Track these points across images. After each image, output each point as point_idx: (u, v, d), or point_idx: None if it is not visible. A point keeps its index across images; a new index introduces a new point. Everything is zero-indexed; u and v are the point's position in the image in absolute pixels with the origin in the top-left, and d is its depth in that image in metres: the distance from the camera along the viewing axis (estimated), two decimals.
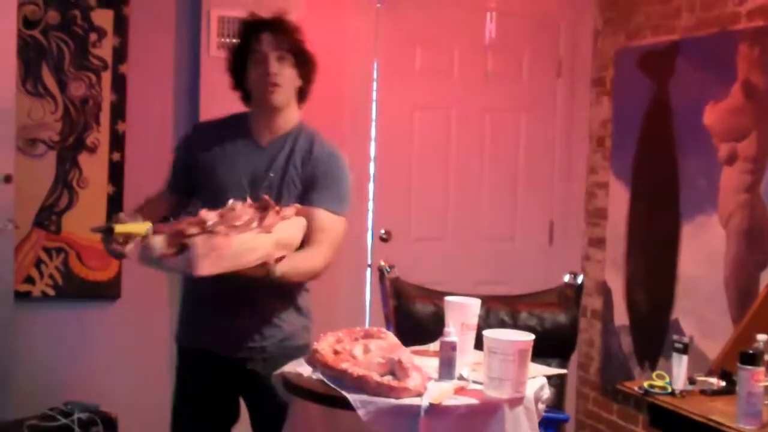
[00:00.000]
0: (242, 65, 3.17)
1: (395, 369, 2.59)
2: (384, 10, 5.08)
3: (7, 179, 3.89)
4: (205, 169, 3.17)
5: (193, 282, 2.93)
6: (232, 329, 3.09)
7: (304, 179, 3.11)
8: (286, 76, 3.12)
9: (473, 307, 2.94)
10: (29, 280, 4.50)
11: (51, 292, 4.54)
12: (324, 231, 3.05)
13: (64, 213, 4.53)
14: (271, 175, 3.12)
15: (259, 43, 3.11)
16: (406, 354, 2.68)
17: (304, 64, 3.19)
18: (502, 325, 3.72)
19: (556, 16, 5.37)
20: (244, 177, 3.12)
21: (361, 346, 2.70)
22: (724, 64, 4.32)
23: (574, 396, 5.42)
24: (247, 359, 3.11)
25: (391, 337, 2.82)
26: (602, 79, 5.29)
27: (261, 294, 3.06)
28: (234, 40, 3.33)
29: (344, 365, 2.57)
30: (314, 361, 2.66)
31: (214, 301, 3.08)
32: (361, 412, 2.45)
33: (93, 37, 4.52)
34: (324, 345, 2.70)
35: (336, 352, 2.66)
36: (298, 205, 3.02)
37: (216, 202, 2.95)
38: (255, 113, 3.20)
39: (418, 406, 2.44)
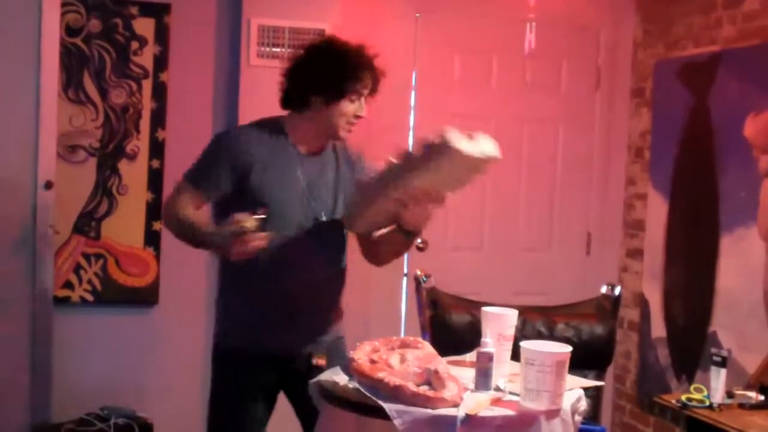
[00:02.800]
0: (333, 91, 3.08)
1: (432, 379, 2.59)
2: (423, 19, 5.09)
3: (48, 185, 3.94)
4: (258, 177, 3.08)
5: (259, 281, 3.08)
6: (301, 328, 3.16)
7: (353, 179, 3.22)
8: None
9: (510, 318, 2.92)
10: (68, 285, 4.54)
11: (90, 297, 4.58)
12: None
13: (104, 219, 4.57)
14: (326, 181, 3.16)
15: (360, 82, 3.09)
16: (442, 364, 2.67)
17: (372, 98, 3.20)
18: (539, 336, 3.70)
19: (596, 27, 5.35)
20: (299, 192, 3.11)
21: (398, 356, 2.70)
22: (766, 76, 4.29)
23: (610, 408, 5.39)
24: (309, 356, 3.15)
25: (428, 347, 2.82)
26: (641, 90, 5.26)
27: (330, 291, 3.23)
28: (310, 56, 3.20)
29: (381, 374, 2.57)
30: (351, 370, 2.67)
31: (284, 302, 3.12)
32: (397, 422, 2.44)
33: (134, 45, 4.56)
34: (361, 354, 2.70)
35: (372, 362, 2.66)
36: None
37: (273, 215, 2.98)
38: (302, 126, 3.16)
39: (455, 417, 2.43)
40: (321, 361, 3.07)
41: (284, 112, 3.20)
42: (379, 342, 2.80)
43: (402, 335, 4.82)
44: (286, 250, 3.06)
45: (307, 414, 3.08)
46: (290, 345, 3.17)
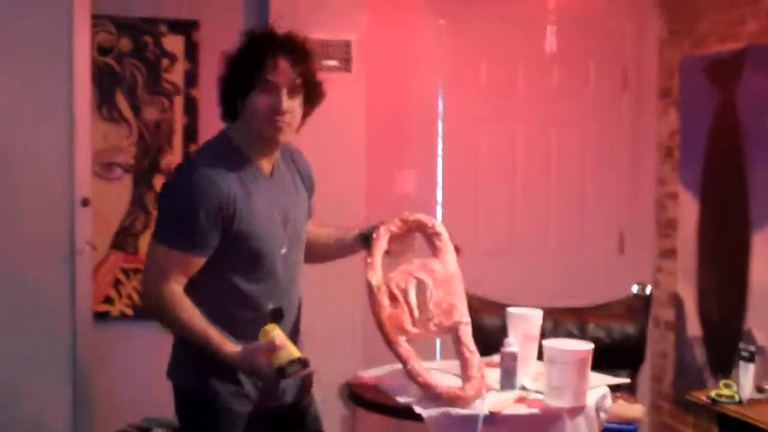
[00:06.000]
0: (242, 85, 2.68)
1: (460, 361, 2.64)
2: (447, 25, 5.14)
3: (85, 203, 4.01)
4: (244, 220, 2.65)
5: (246, 322, 2.65)
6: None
7: (306, 194, 2.93)
8: (295, 112, 2.70)
9: (535, 318, 2.97)
10: (108, 300, 4.63)
11: (129, 311, 4.66)
12: None
13: (141, 234, 4.65)
14: (293, 207, 2.82)
15: (272, 70, 2.64)
16: (461, 312, 2.77)
17: (316, 96, 2.77)
18: (570, 337, 3.72)
19: (621, 27, 5.37)
20: (278, 221, 2.75)
21: (414, 283, 2.75)
22: None
23: (649, 409, 5.38)
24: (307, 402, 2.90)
25: (446, 257, 2.87)
26: (668, 89, 5.27)
27: (298, 315, 2.88)
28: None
29: (402, 345, 2.61)
30: (372, 306, 2.71)
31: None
32: (424, 416, 2.50)
33: (165, 62, 4.65)
34: (376, 279, 2.74)
35: (392, 297, 2.70)
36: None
37: (254, 260, 2.68)
38: (250, 140, 2.72)
39: (479, 415, 2.48)
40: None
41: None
42: (395, 227, 2.85)
43: (437, 344, 4.86)
44: (278, 293, 2.74)
45: None
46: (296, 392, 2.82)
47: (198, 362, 2.65)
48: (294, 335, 2.76)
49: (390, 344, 2.63)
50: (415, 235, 2.93)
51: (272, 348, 2.46)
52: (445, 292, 2.77)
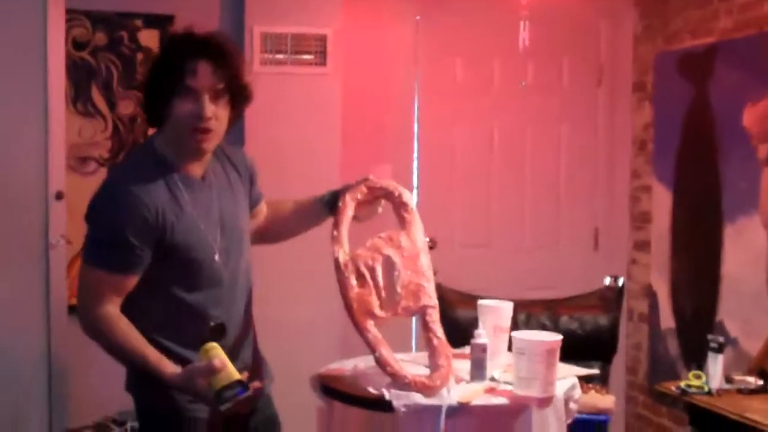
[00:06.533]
0: (163, 92, 2.54)
1: (428, 349, 2.67)
2: (423, 21, 5.16)
3: (59, 196, 4.00)
4: (177, 231, 2.55)
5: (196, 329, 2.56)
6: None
7: (246, 187, 2.83)
8: (220, 119, 2.57)
9: (506, 310, 2.98)
10: None
11: None
12: None
13: None
14: (231, 209, 2.72)
15: (192, 74, 2.51)
16: (428, 294, 2.74)
17: (242, 99, 2.64)
18: (543, 329, 3.75)
19: (596, 23, 5.40)
20: (214, 226, 2.64)
21: (381, 261, 2.69)
22: (762, 66, 4.34)
23: (623, 400, 5.43)
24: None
25: (413, 230, 2.80)
26: (643, 83, 5.31)
27: (247, 309, 2.79)
28: (160, 58, 2.66)
29: (371, 330, 2.62)
30: (340, 286, 2.67)
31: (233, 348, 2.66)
32: (396, 405, 2.52)
33: (140, 56, 4.66)
34: (343, 255, 2.69)
35: (359, 275, 2.66)
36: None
37: (192, 269, 2.59)
38: (176, 148, 2.59)
39: (441, 406, 2.51)
40: (258, 384, 2.58)
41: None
42: (360, 195, 2.79)
43: (413, 333, 4.89)
44: (221, 299, 2.67)
45: None
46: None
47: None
48: (244, 339, 2.73)
49: (358, 329, 2.63)
50: (381, 200, 2.87)
51: (211, 370, 2.36)
52: (412, 271, 2.72)
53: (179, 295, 2.60)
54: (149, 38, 4.66)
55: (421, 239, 2.80)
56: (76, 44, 4.54)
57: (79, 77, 4.57)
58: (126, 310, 2.56)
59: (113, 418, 4.28)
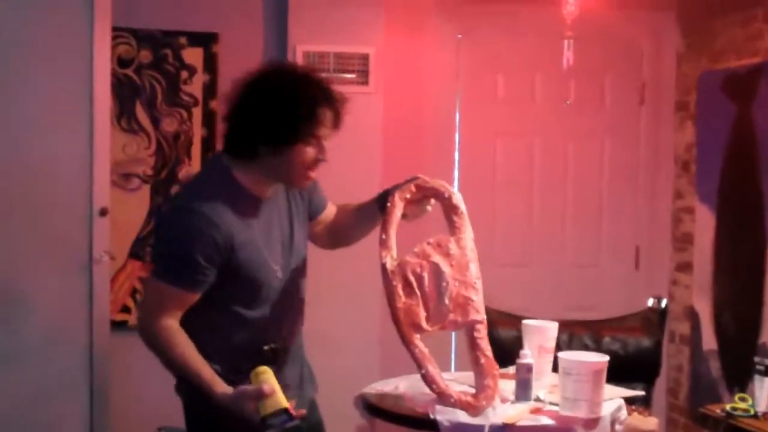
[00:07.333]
0: (284, 137, 2.56)
1: (474, 367, 2.63)
2: (464, 39, 5.16)
3: (103, 212, 4.04)
4: (243, 254, 2.60)
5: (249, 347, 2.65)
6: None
7: (306, 199, 2.87)
8: None
9: (550, 330, 2.98)
10: (125, 309, 4.67)
11: None
12: None
13: None
14: (292, 227, 2.78)
15: (321, 125, 2.59)
16: (476, 308, 2.69)
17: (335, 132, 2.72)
18: (585, 349, 3.72)
19: (638, 41, 5.38)
20: (277, 243, 2.71)
21: (430, 269, 2.63)
22: None
23: (664, 422, 5.38)
24: None
25: (463, 237, 2.74)
26: (686, 103, 5.27)
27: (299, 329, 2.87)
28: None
29: (418, 345, 2.56)
30: (387, 295, 2.61)
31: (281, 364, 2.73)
32: (439, 421, 2.51)
33: (184, 74, 4.70)
34: (391, 261, 2.62)
35: (407, 284, 2.59)
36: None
37: (254, 287, 2.65)
38: (263, 181, 2.66)
39: (493, 425, 2.49)
40: (303, 412, 2.54)
41: None
42: (410, 194, 2.73)
43: (452, 354, 4.88)
44: (278, 317, 2.74)
45: None
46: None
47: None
48: (296, 357, 2.80)
49: (405, 343, 2.58)
50: (431, 199, 2.81)
51: (260, 395, 2.39)
52: (460, 282, 2.66)
53: (238, 311, 2.65)
54: (193, 56, 4.70)
55: (471, 246, 2.74)
56: (121, 62, 4.59)
57: (124, 94, 4.61)
58: (185, 323, 2.60)
59: None
